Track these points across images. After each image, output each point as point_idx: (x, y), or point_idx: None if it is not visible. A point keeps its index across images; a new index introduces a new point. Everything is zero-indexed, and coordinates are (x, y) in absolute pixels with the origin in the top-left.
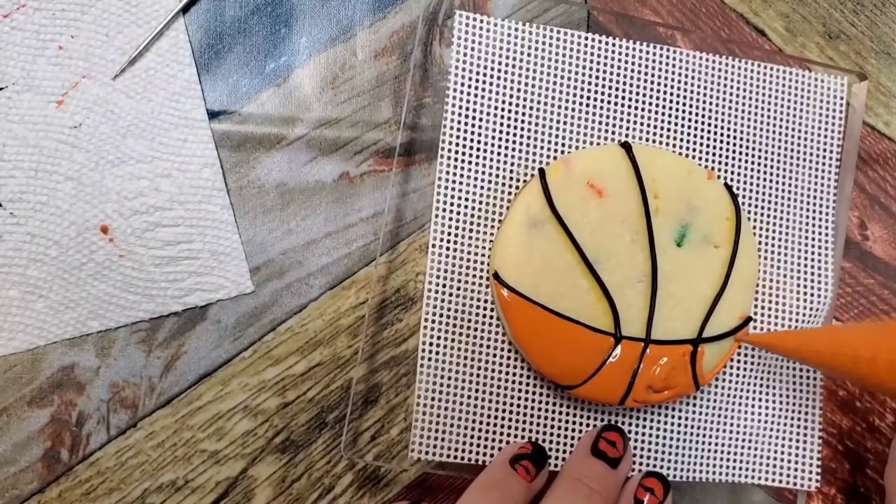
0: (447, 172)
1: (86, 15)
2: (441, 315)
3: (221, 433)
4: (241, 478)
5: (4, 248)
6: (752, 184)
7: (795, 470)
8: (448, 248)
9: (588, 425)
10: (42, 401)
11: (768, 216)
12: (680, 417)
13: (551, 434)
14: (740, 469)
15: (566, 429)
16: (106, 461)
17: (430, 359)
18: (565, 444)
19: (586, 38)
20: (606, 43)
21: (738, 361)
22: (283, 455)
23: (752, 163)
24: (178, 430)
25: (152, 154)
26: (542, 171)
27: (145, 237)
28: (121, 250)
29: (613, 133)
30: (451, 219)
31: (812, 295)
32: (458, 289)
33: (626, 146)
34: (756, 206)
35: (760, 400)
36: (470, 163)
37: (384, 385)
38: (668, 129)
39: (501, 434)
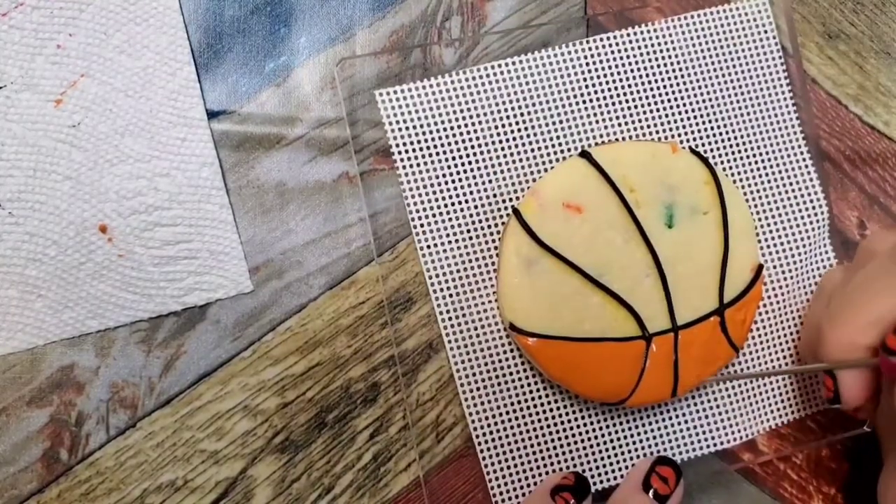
0: (427, 242)
1: (84, 13)
2: (473, 376)
3: (221, 433)
4: (240, 478)
5: (3, 247)
6: (717, 139)
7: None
8: (455, 309)
9: (638, 435)
10: (41, 401)
11: (743, 162)
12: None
13: (607, 452)
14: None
15: (620, 444)
16: (105, 461)
17: (479, 422)
18: (620, 461)
19: (513, 63)
20: (534, 60)
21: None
22: (283, 455)
23: (710, 118)
24: (177, 430)
25: (151, 153)
26: (516, 211)
27: (144, 236)
28: (120, 250)
29: (568, 143)
30: (448, 282)
31: (809, 216)
32: (479, 346)
33: (586, 154)
34: (728, 158)
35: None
36: (444, 225)
37: (383, 384)
38: (620, 117)
39: (563, 464)
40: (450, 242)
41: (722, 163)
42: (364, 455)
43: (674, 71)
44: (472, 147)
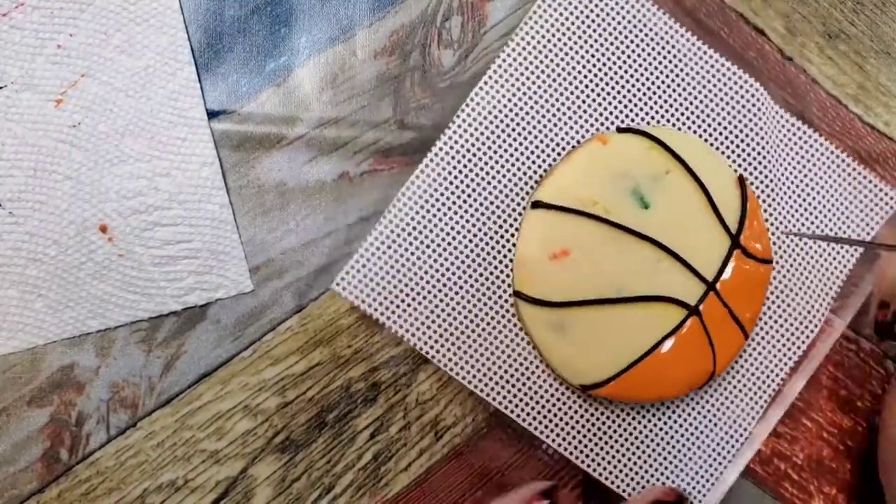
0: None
1: (84, 13)
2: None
3: (221, 433)
4: (240, 477)
5: (3, 247)
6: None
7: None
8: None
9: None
10: (41, 400)
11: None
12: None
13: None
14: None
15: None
16: (105, 461)
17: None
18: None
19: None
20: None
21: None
22: (283, 455)
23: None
24: (177, 429)
25: (151, 153)
26: (517, 293)
27: (144, 236)
28: (120, 249)
29: (517, 197)
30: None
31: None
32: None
33: (537, 204)
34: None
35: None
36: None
37: (383, 384)
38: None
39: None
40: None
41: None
42: (364, 455)
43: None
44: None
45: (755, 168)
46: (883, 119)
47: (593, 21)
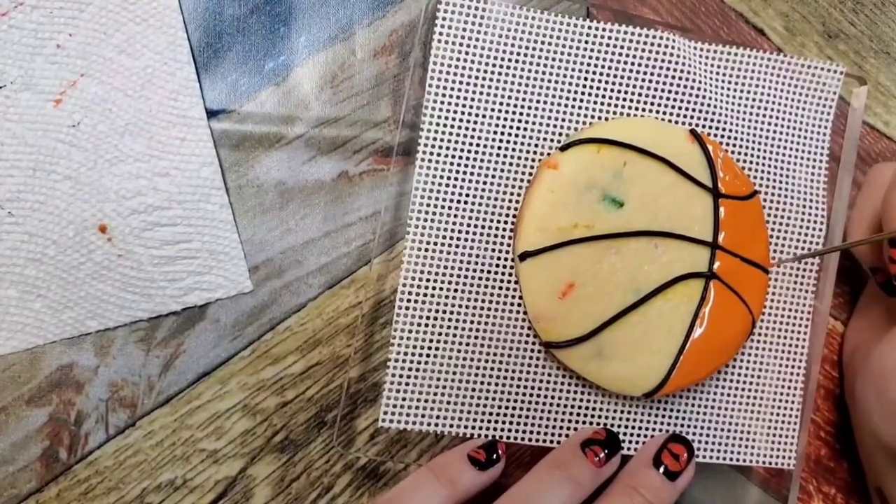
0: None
1: (83, 13)
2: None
3: (220, 432)
4: (239, 477)
5: (2, 247)
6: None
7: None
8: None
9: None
10: (40, 400)
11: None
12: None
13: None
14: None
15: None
16: (104, 460)
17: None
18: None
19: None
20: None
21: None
22: (282, 454)
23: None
24: (176, 429)
25: (150, 153)
26: (546, 345)
27: (144, 236)
28: (119, 250)
29: (502, 252)
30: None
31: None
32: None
33: (525, 255)
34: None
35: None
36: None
37: (383, 384)
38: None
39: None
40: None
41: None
42: (364, 454)
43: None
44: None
45: (703, 111)
46: (883, 119)
47: (490, 40)
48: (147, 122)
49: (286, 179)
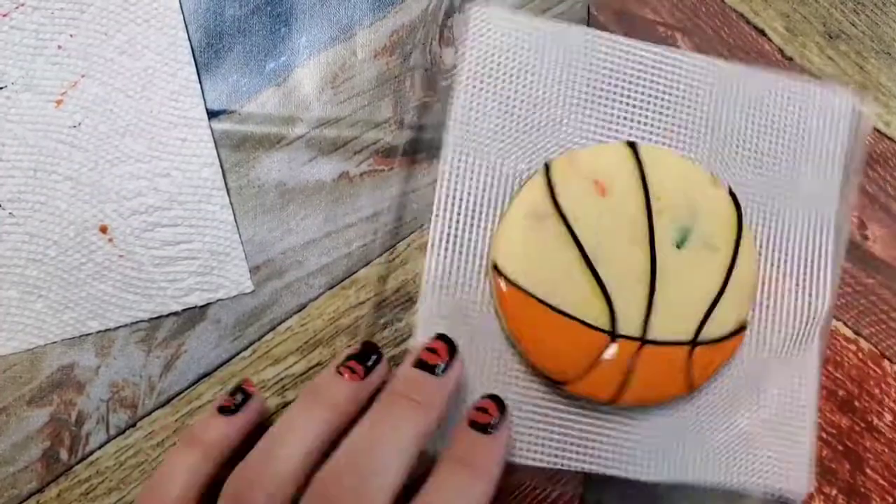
0: (452, 166)
1: (84, 14)
2: (438, 305)
3: None
4: None
5: (3, 247)
6: (755, 192)
7: (787, 477)
8: (450, 241)
9: (578, 422)
10: (41, 400)
11: (770, 225)
12: (670, 418)
13: (542, 430)
14: (730, 473)
15: (558, 426)
16: (105, 461)
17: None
18: (556, 442)
19: (597, 36)
20: (617, 42)
21: (732, 364)
22: None
23: (757, 171)
24: (177, 429)
25: (151, 153)
26: (546, 165)
27: (144, 237)
28: (120, 250)
29: (619, 133)
30: (454, 211)
31: (810, 304)
32: (457, 281)
33: (633, 146)
34: (758, 215)
35: (753, 404)
36: (475, 155)
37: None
38: (675, 132)
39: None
40: (473, 174)
41: (751, 216)
42: None
43: (743, 113)
44: (530, 95)
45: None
46: (883, 119)
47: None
48: (148, 123)
49: (287, 180)
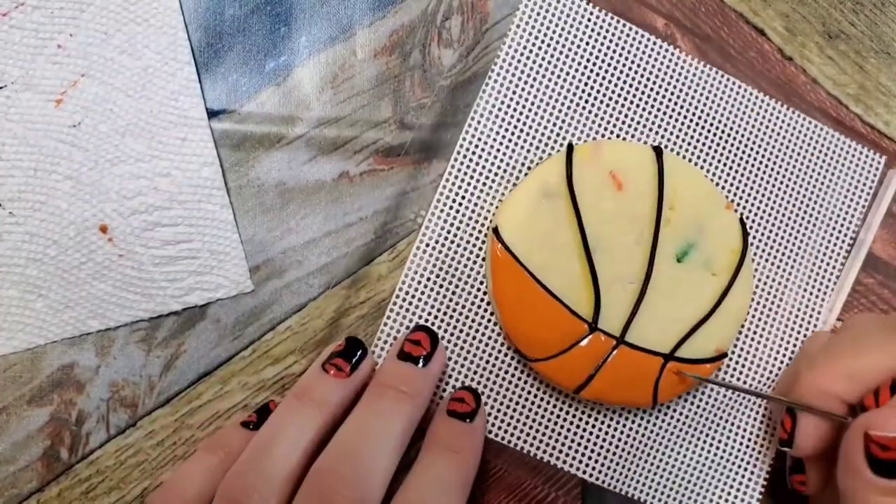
0: (478, 128)
1: (84, 13)
2: (430, 259)
3: None
4: None
5: (3, 247)
6: (765, 226)
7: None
8: (455, 202)
9: (544, 403)
10: (41, 400)
11: (774, 261)
12: (632, 429)
13: (508, 405)
14: (677, 498)
15: (522, 404)
16: (105, 460)
17: (404, 298)
18: (520, 417)
19: (645, 38)
20: (668, 52)
21: (702, 393)
22: None
23: (772, 207)
24: (177, 429)
25: (151, 153)
26: (570, 146)
27: (144, 236)
28: (120, 250)
29: (647, 136)
30: (467, 173)
31: (796, 344)
32: (453, 241)
33: (658, 150)
34: (764, 248)
35: (712, 436)
36: (505, 120)
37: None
38: (703, 150)
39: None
40: (495, 142)
41: (757, 249)
42: None
43: (772, 150)
44: (566, 80)
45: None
46: (883, 119)
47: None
48: (148, 123)
49: (287, 179)
